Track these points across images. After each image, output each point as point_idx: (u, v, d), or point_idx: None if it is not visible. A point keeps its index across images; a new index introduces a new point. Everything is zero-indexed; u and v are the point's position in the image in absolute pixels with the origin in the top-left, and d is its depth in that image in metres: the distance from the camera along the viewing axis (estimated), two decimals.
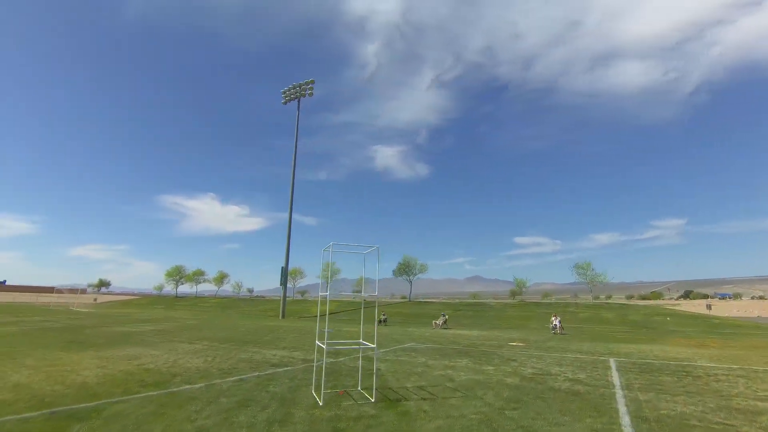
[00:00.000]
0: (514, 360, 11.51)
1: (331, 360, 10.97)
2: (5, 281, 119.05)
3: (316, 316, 38.44)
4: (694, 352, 14.38)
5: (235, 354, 11.81)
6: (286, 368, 9.62)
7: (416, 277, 49.11)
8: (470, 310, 35.94)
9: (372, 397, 6.80)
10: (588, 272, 38.80)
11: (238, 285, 71.73)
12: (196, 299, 65.99)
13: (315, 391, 7.10)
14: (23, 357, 10.48)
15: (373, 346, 7.15)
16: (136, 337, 15.94)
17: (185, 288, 76.56)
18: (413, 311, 38.28)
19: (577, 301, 53.19)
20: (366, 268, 8.60)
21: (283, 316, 39.14)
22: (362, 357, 10.68)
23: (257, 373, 8.88)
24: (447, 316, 26.28)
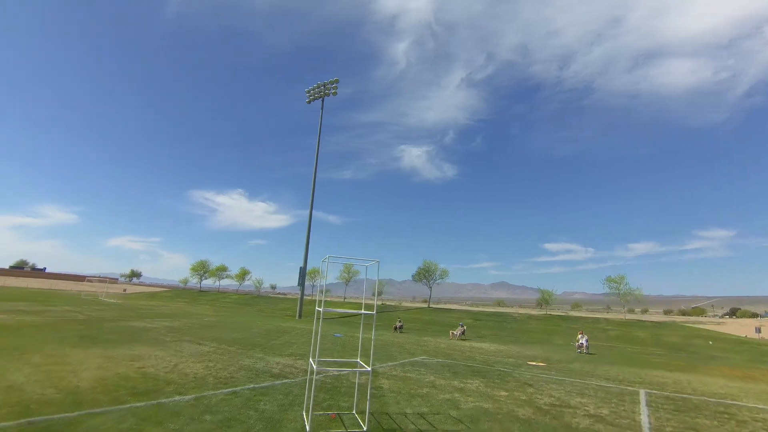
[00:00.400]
0: (530, 385, 10.72)
1: (335, 372, 10.59)
2: (45, 268, 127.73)
3: (335, 317, 38.38)
4: (740, 387, 12.99)
5: (238, 360, 11.66)
6: (284, 381, 9.32)
7: (436, 282, 48.22)
8: (491, 320, 34.74)
9: (365, 424, 6.34)
10: (621, 286, 36.52)
11: (258, 282, 73.22)
12: (218, 294, 67.81)
13: (305, 413, 6.71)
14: (32, 352, 10.73)
15: (368, 368, 6.68)
16: (148, 335, 16.21)
17: (209, 282, 79.04)
18: (432, 318, 37.49)
19: (608, 315, 50.57)
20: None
21: (299, 317, 39.36)
22: (365, 373, 10.28)
23: (253, 385, 8.62)
24: (465, 327, 25.41)
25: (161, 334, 16.63)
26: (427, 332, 29.88)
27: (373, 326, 8.06)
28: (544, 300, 44.00)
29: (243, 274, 71.88)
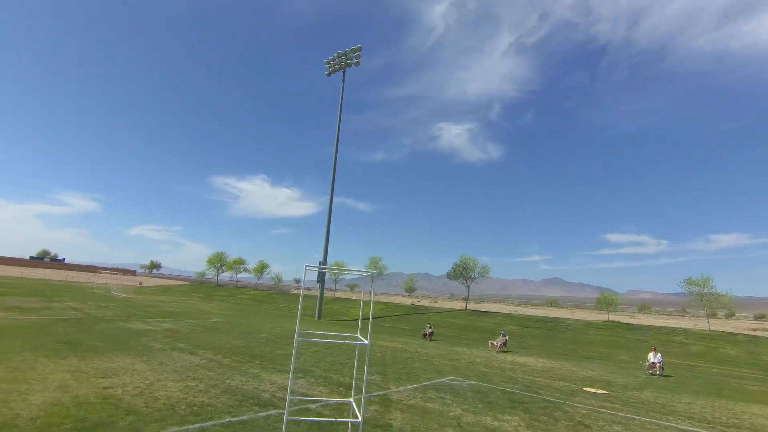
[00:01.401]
0: (587, 426, 9.23)
1: (332, 402, 9.61)
2: (64, 259, 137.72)
3: (357, 319, 37.95)
4: None
5: (227, 378, 10.98)
6: (271, 412, 8.44)
7: (475, 281, 46.37)
8: (540, 327, 32.74)
9: None
10: (705, 289, 32.75)
11: (277, 278, 74.40)
12: (236, 290, 69.68)
13: None
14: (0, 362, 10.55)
15: (357, 421, 5.55)
16: (140, 340, 16.10)
17: (227, 276, 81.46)
18: (469, 323, 36.06)
19: (685, 323, 46.73)
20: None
21: (318, 317, 39.23)
22: (374, 401, 9.22)
23: (229, 419, 7.78)
24: (508, 337, 23.84)
25: (155, 340, 16.49)
26: (462, 341, 28.55)
27: (365, 365, 6.90)
28: (606, 302, 40.74)
29: (261, 268, 73.25)
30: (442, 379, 13.39)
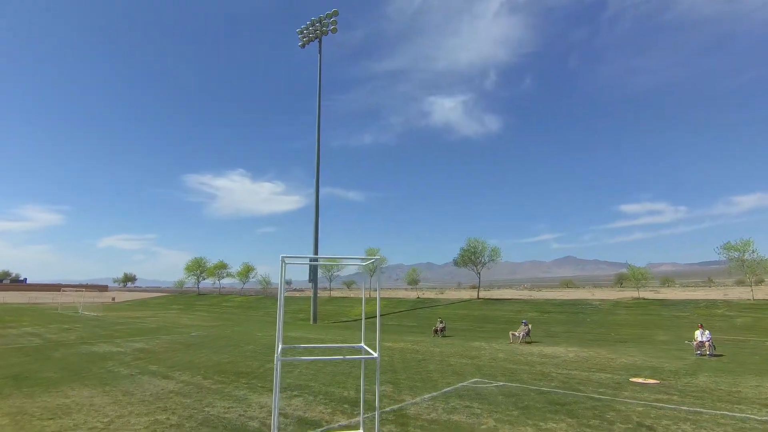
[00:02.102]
0: (650, 428, 8.25)
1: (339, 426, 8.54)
2: (26, 279, 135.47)
3: (357, 319, 36.90)
4: None
5: (206, 404, 9.88)
6: None
7: (486, 266, 45.43)
8: (563, 311, 31.99)
9: None
10: (746, 254, 31.95)
11: (265, 281, 73.30)
12: (220, 297, 68.58)
13: None
14: None
15: None
16: (105, 366, 14.96)
17: (209, 283, 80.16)
18: (483, 313, 35.25)
19: (715, 295, 46.34)
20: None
21: (314, 321, 38.30)
22: (387, 412, 8.14)
23: None
24: (530, 326, 22.97)
25: (122, 364, 15.37)
26: (478, 333, 27.72)
27: (377, 383, 5.83)
28: (635, 277, 39.88)
29: (246, 271, 72.09)
30: (465, 383, 12.40)
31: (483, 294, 63.09)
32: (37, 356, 17.01)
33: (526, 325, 22.72)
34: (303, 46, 43.98)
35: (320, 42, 43.54)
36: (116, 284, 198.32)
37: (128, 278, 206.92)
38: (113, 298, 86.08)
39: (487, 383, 12.33)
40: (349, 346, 6.59)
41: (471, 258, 45.00)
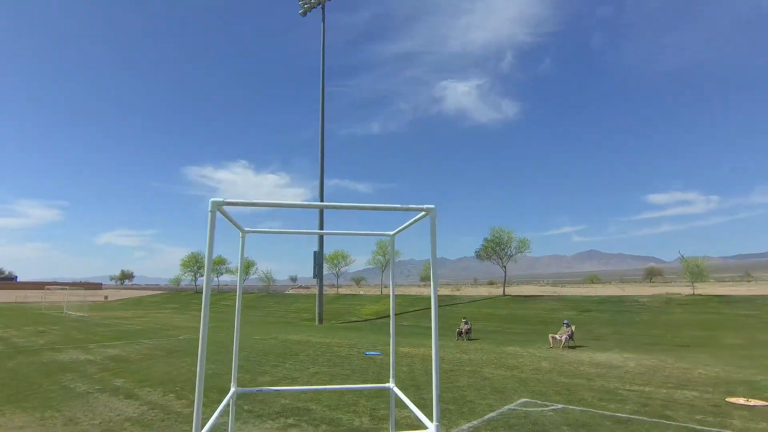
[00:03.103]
0: None
1: None
2: (16, 277, 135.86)
3: (368, 319, 34.77)
4: None
5: None
6: None
7: (512, 259, 42.88)
8: (604, 309, 29.47)
9: None
10: None
11: (267, 277, 71.60)
12: (217, 296, 67.02)
13: None
14: None
15: None
16: (61, 378, 12.95)
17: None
18: (511, 312, 32.87)
19: (761, 290, 43.28)
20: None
21: (320, 321, 36.25)
22: None
23: None
24: (574, 327, 20.55)
25: (84, 376, 13.32)
26: (509, 336, 25.36)
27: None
28: (690, 270, 36.70)
29: (246, 267, 70.43)
30: (512, 406, 10.08)
31: (500, 291, 60.65)
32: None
33: (568, 326, 20.31)
34: (304, 14, 41.56)
35: (323, 9, 41.11)
36: (113, 282, 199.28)
37: (125, 276, 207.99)
38: (106, 297, 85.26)
39: (541, 406, 9.99)
40: (374, 387, 4.78)
41: (495, 250, 42.50)
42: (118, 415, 9.38)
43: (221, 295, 68.21)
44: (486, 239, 43.24)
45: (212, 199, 3.70)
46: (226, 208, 3.35)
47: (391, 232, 3.95)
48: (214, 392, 11.33)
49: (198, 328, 25.68)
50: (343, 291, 68.52)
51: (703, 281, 43.35)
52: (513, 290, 52.68)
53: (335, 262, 60.33)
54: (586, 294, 43.46)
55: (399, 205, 3.18)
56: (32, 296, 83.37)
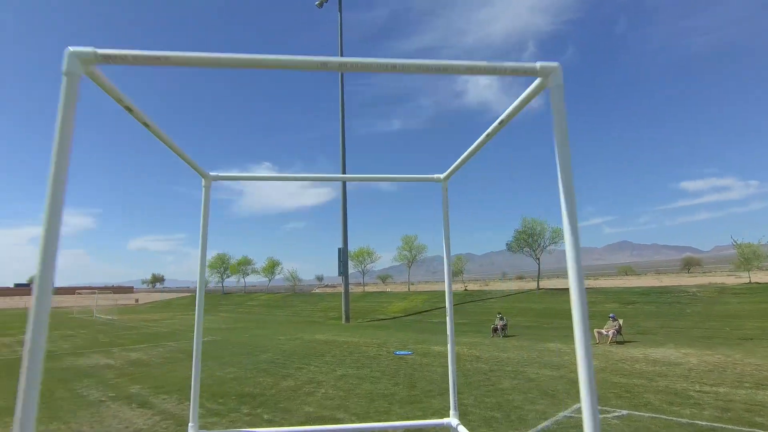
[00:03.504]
0: None
1: None
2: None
3: (396, 317, 33.61)
4: None
5: None
6: None
7: (546, 250, 40.92)
8: (649, 301, 27.53)
9: None
10: None
11: (293, 276, 71.29)
12: (245, 296, 67.09)
13: None
14: None
15: None
16: (76, 386, 12.31)
17: (234, 281, 79.15)
18: (547, 306, 31.23)
19: None
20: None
21: (346, 320, 35.35)
22: None
23: None
24: (621, 321, 18.93)
25: (100, 383, 12.67)
26: (547, 331, 23.86)
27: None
28: (745, 257, 33.97)
29: (271, 267, 70.28)
30: (567, 412, 8.80)
31: (531, 285, 58.63)
32: (4, 373, 14.58)
33: (615, 320, 18.71)
34: (320, 5, 40.62)
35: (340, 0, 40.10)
36: (144, 285, 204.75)
37: (156, 279, 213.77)
38: (136, 300, 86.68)
39: (603, 412, 8.67)
40: (433, 424, 3.94)
41: (528, 241, 40.68)
42: (126, 427, 8.55)
43: (248, 296, 68.26)
44: (517, 230, 41.42)
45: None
46: (188, 152, 2.32)
47: (442, 175, 2.79)
48: (233, 399, 10.44)
49: (224, 329, 25.12)
50: (369, 289, 67.68)
51: (761, 269, 40.36)
52: (544, 284, 50.73)
53: (360, 259, 59.35)
54: (623, 286, 41.30)
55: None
56: (67, 301, 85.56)
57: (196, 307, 2.88)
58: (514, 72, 1.63)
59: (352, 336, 23.64)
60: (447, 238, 2.77)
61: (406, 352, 17.00)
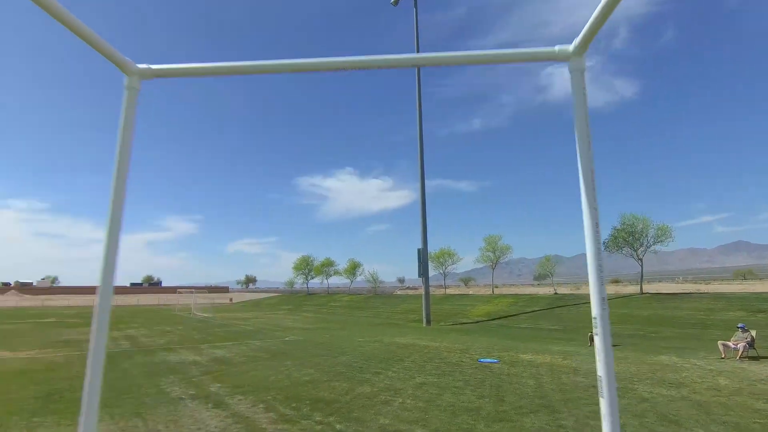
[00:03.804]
0: None
1: None
2: (161, 282, 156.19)
3: (480, 321, 32.03)
4: None
5: None
6: None
7: (650, 250, 36.60)
8: None
9: None
10: None
11: (373, 277, 71.93)
12: (327, 297, 68.76)
13: None
14: None
15: None
16: (160, 381, 12.62)
17: (318, 282, 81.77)
18: (654, 313, 27.85)
19: None
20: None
21: (427, 323, 34.37)
22: None
23: None
24: (754, 333, 16.00)
25: (184, 380, 12.90)
26: (657, 342, 21.10)
27: None
28: None
29: (353, 268, 71.45)
30: None
31: (628, 289, 53.33)
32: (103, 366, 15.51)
33: (745, 331, 15.83)
34: (395, 3, 40.21)
35: None
36: (238, 286, 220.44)
37: (249, 280, 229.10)
38: (231, 300, 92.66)
39: None
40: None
41: (628, 240, 36.81)
42: (199, 429, 8.32)
43: (330, 297, 69.87)
44: (615, 228, 37.60)
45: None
46: (104, 45, 1.54)
47: (570, 46, 1.74)
48: (306, 404, 9.94)
49: (306, 329, 25.08)
50: (451, 291, 66.04)
51: None
52: (647, 288, 45.81)
53: (441, 260, 58.07)
54: (747, 291, 35.89)
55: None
56: (171, 299, 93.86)
57: (101, 282, 1.74)
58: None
59: (433, 340, 22.63)
60: (586, 157, 1.65)
61: (492, 360, 15.66)
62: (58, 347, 20.75)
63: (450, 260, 58.44)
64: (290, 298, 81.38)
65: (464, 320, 35.79)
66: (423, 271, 36.18)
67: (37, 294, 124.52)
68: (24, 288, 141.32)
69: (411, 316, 39.60)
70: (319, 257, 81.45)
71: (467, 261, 64.22)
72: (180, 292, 65.46)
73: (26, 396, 11.00)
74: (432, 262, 54.21)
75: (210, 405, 10.05)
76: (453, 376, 12.99)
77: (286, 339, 24.00)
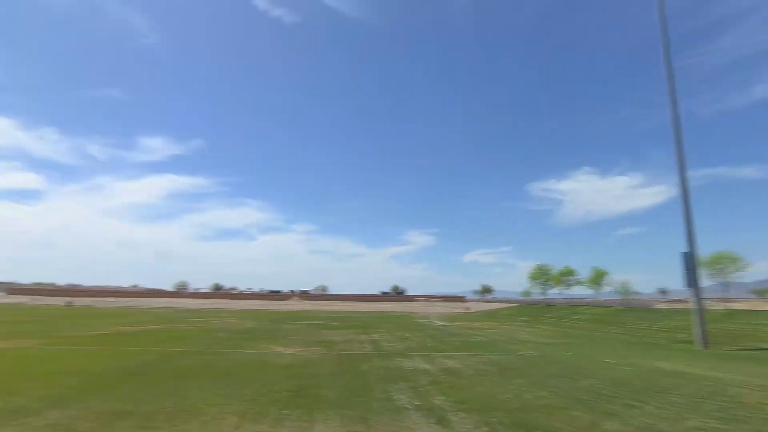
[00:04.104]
0: None
1: None
2: (404, 291, 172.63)
3: None
4: None
5: None
6: None
7: None
8: None
9: None
10: None
11: (624, 288, 62.54)
12: (568, 309, 63.06)
13: None
14: None
15: None
16: (389, 389, 12.97)
17: (556, 293, 76.27)
18: None
19: None
20: None
21: (704, 346, 27.42)
22: None
23: None
24: None
25: (411, 388, 12.95)
26: None
27: None
28: None
29: (597, 277, 63.69)
30: None
31: None
32: (346, 366, 16.99)
33: None
34: None
35: None
36: (474, 295, 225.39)
37: (485, 290, 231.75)
38: (467, 308, 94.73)
39: None
40: None
41: None
42: None
43: (572, 309, 63.90)
44: None
45: None
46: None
47: None
48: None
49: (543, 343, 22.94)
50: (737, 306, 52.10)
51: None
52: None
53: (719, 267, 46.35)
54: None
55: None
56: (415, 307, 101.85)
57: None
58: None
59: (714, 369, 17.55)
60: None
61: None
62: (316, 346, 24.08)
63: (733, 266, 46.13)
64: (527, 309, 78.00)
65: (761, 345, 27.29)
66: (691, 281, 29.23)
67: (312, 300, 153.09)
68: (304, 295, 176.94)
69: (678, 336, 32.48)
70: (558, 265, 76.05)
71: (761, 267, 49.72)
72: (418, 301, 69.99)
73: (283, 389, 12.64)
74: (706, 269, 43.78)
75: (432, 420, 9.56)
76: (748, 424, 9.42)
77: (519, 353, 22.36)
